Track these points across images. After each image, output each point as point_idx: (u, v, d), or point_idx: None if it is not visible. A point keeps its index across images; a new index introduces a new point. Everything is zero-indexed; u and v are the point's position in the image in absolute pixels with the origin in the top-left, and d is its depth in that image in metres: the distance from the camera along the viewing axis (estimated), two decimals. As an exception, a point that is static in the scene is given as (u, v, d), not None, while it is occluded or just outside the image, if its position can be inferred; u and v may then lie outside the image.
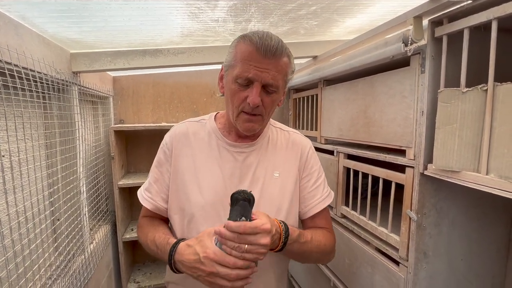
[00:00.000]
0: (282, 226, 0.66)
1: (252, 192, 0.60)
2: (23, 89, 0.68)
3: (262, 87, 0.66)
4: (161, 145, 0.79)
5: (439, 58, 0.71)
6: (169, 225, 0.81)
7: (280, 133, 0.84)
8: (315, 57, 1.31)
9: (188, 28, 0.89)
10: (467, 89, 0.62)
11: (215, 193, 0.72)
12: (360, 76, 1.02)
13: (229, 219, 0.61)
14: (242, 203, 0.59)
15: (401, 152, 0.89)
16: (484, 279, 0.89)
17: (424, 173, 0.75)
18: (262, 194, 0.74)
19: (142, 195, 0.79)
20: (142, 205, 0.78)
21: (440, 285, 0.84)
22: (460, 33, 0.65)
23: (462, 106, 0.64)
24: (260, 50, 0.63)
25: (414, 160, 0.79)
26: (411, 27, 0.74)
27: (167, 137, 0.79)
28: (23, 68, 0.68)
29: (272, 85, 0.66)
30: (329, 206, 1.21)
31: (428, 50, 0.73)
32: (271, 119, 0.85)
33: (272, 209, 0.74)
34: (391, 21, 0.87)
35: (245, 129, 0.70)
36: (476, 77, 0.65)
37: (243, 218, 0.60)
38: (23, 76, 0.67)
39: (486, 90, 0.59)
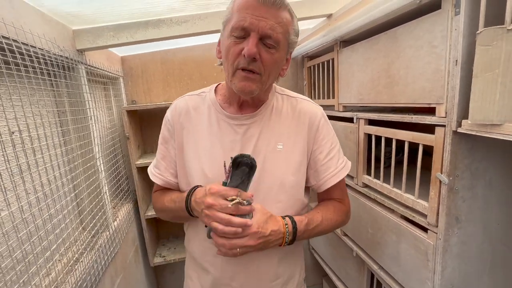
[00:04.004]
0: (286, 225, 0.66)
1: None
2: (25, 66, 0.66)
3: (260, 39, 0.60)
4: (163, 122, 0.77)
5: (478, -6, 0.60)
6: None
7: (286, 100, 0.76)
8: (329, 16, 1.20)
9: (188, -11, 0.83)
10: (514, 25, 0.53)
11: (216, 169, 0.69)
12: (382, 31, 0.91)
13: (227, 183, 0.61)
14: (243, 168, 0.57)
15: (429, 112, 0.81)
16: (524, 244, 0.82)
17: (458, 130, 0.67)
18: (264, 168, 0.69)
19: (152, 172, 0.79)
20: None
21: (473, 251, 0.78)
22: (505, -42, 0.54)
23: (506, 47, 0.54)
24: None
25: (445, 117, 0.71)
26: (443, -40, 0.63)
27: (168, 113, 0.76)
28: (23, 44, 0.66)
29: (271, 37, 0.59)
30: (349, 176, 1.17)
31: (465, -15, 0.62)
32: (277, 86, 0.79)
33: (275, 184, 0.70)
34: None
35: (240, 89, 0.63)
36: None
37: (240, 185, 0.60)
38: (24, 51, 0.65)
39: (539, 23, 0.49)
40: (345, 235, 1.28)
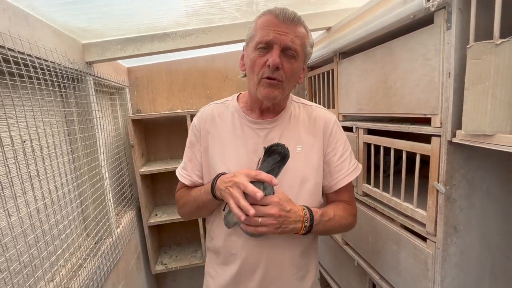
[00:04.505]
0: (305, 212, 0.70)
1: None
2: (38, 78, 0.70)
3: (281, 51, 0.67)
4: (190, 127, 0.85)
5: (468, 10, 0.63)
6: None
7: (302, 108, 0.84)
8: (328, 29, 1.23)
9: (192, 6, 0.87)
10: (502, 40, 0.55)
11: (241, 168, 0.73)
12: (380, 43, 0.94)
13: (260, 168, 0.66)
14: (275, 156, 0.61)
15: (426, 122, 0.82)
16: (525, 255, 0.82)
17: (453, 140, 0.69)
18: (285, 168, 0.74)
19: (180, 173, 0.85)
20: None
21: (472, 261, 0.78)
22: (493, -24, 0.57)
23: (495, 60, 0.56)
24: (279, 16, 0.67)
25: (440, 128, 0.73)
26: (433, -22, 0.66)
27: (195, 119, 0.83)
28: (36, 58, 0.70)
29: (291, 48, 0.67)
30: (350, 184, 1.18)
31: (455, 2, 0.65)
32: (293, 96, 0.86)
33: (296, 182, 0.76)
34: (411, -24, 0.78)
35: (265, 96, 0.70)
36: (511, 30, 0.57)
37: (270, 172, 0.64)
38: (37, 65, 0.69)
39: (525, 38, 0.52)
40: (346, 244, 1.27)
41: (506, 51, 0.55)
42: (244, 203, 0.61)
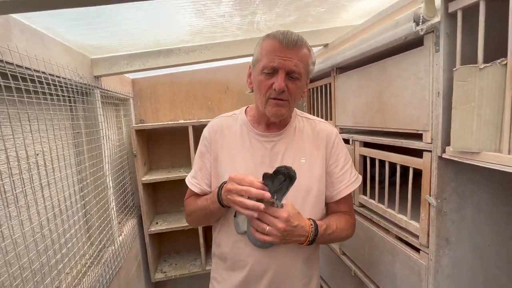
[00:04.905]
0: (312, 227, 0.74)
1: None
2: (51, 94, 0.74)
3: (286, 75, 0.72)
4: (201, 138, 0.88)
5: (454, 35, 0.67)
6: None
7: (306, 122, 0.88)
8: (326, 45, 1.29)
9: (196, 25, 0.92)
10: (485, 64, 0.59)
11: None
12: (375, 60, 0.99)
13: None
14: (280, 177, 0.65)
15: (418, 137, 0.86)
16: (516, 266, 0.84)
17: (442, 156, 0.72)
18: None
19: (190, 181, 0.88)
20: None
21: (465, 272, 0.80)
22: (476, 6, 0.61)
23: (480, 83, 0.60)
24: (282, 42, 0.71)
25: (431, 143, 0.76)
26: (422, 5, 0.71)
27: (205, 131, 0.88)
28: (50, 74, 0.74)
29: (295, 72, 0.72)
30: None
31: (442, 27, 0.69)
32: (297, 110, 0.91)
33: (300, 194, 0.79)
34: (402, 0, 0.83)
35: (273, 114, 0.75)
36: (495, 53, 0.61)
37: (275, 195, 0.67)
38: (50, 82, 0.73)
39: (506, 64, 0.56)
40: (344, 254, 1.29)
41: (489, 74, 0.59)
42: (250, 202, 0.64)
